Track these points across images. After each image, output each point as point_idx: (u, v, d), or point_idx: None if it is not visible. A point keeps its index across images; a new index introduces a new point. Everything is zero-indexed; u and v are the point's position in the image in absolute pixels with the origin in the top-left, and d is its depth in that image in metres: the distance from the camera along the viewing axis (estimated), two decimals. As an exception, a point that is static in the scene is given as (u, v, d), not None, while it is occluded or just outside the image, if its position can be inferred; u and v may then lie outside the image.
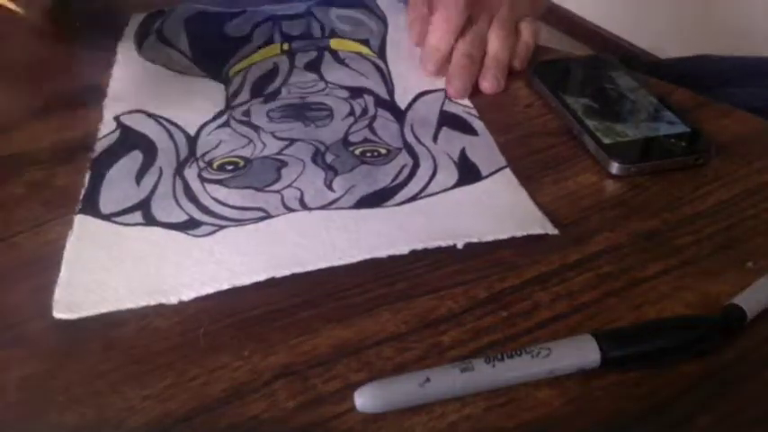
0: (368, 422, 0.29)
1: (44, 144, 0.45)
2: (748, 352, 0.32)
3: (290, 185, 0.41)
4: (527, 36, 0.54)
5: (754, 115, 0.48)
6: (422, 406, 0.29)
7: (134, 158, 0.43)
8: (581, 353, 0.30)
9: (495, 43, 0.52)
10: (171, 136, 0.45)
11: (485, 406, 0.29)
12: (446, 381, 0.29)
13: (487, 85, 0.51)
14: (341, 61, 0.54)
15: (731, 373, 0.31)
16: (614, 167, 0.42)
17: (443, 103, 0.49)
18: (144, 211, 0.39)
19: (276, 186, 0.41)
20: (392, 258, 0.36)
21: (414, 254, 0.36)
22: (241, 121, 0.47)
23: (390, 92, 0.50)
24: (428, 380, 0.29)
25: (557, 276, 0.35)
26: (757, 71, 0.66)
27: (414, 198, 0.40)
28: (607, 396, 0.30)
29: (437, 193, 0.41)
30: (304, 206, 0.39)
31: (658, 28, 1.89)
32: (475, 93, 0.51)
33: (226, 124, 0.47)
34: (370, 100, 0.49)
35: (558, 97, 0.48)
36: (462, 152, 0.44)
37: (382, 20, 0.60)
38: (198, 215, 0.39)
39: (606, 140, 0.44)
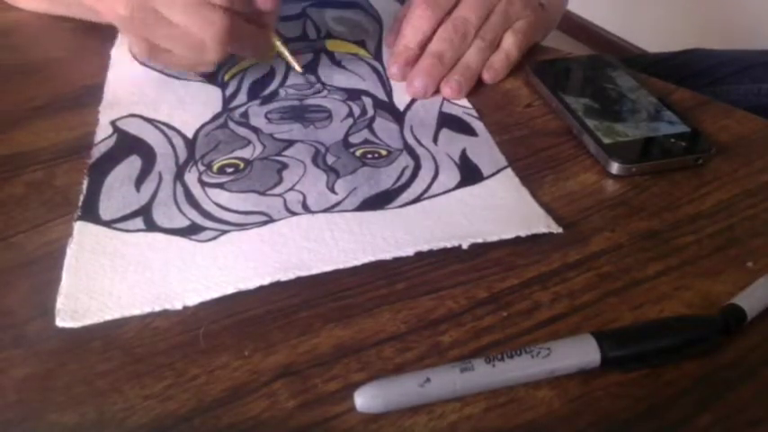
0: (368, 422, 0.29)
1: (44, 144, 0.45)
2: (748, 352, 0.32)
3: (292, 189, 0.41)
4: (509, 46, 0.52)
5: (754, 115, 0.48)
6: (422, 406, 0.29)
7: (132, 164, 0.43)
8: (581, 353, 0.30)
9: (469, 51, 0.51)
10: (169, 140, 0.45)
11: (485, 406, 0.29)
12: (446, 381, 0.29)
13: (447, 89, 0.49)
14: (337, 63, 0.54)
15: (731, 373, 0.31)
16: (614, 167, 0.42)
17: (442, 105, 0.49)
18: (145, 217, 0.39)
19: (278, 190, 0.41)
20: (392, 259, 0.36)
21: (414, 254, 0.36)
22: (239, 123, 0.47)
23: (388, 93, 0.50)
24: (428, 380, 0.29)
25: (557, 276, 0.35)
26: (748, 64, 0.66)
27: (417, 200, 0.40)
28: (607, 396, 0.30)
29: (440, 194, 0.41)
30: (307, 209, 0.39)
31: (658, 28, 1.89)
32: (474, 93, 0.51)
33: (224, 126, 0.47)
34: (368, 102, 0.49)
35: (558, 97, 0.48)
36: (463, 153, 0.44)
37: (377, 20, 0.60)
38: (200, 220, 0.39)
39: (606, 140, 0.44)
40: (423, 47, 0.51)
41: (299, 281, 0.35)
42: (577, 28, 2.04)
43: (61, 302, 0.34)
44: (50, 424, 0.29)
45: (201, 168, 0.43)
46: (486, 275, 0.35)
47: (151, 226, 0.38)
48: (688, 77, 0.50)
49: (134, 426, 0.29)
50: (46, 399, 0.30)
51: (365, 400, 0.29)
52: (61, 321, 0.33)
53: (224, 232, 0.38)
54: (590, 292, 0.35)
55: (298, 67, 0.51)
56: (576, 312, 0.34)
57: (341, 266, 0.35)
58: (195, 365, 0.31)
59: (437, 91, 0.50)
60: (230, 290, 0.34)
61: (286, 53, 0.50)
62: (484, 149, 0.44)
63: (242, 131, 0.46)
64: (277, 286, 0.35)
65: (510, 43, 0.52)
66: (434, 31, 0.50)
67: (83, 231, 0.38)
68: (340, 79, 0.52)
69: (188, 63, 0.47)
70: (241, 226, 0.38)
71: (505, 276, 0.35)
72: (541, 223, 0.38)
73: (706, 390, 0.30)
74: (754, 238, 0.38)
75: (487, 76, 0.52)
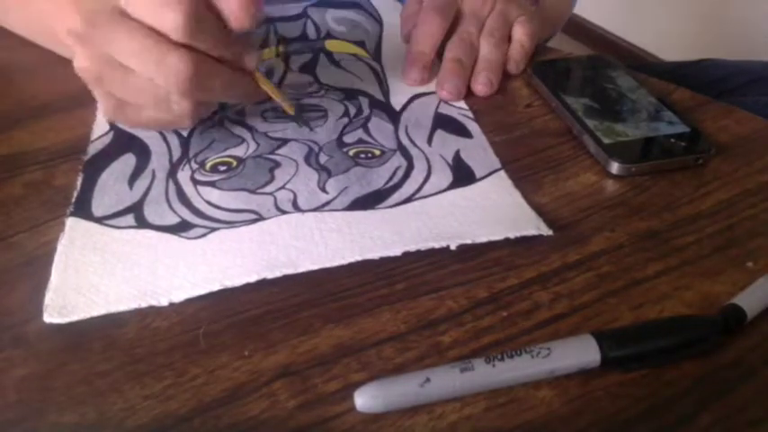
0: (368, 422, 0.29)
1: (43, 144, 0.45)
2: (748, 352, 0.32)
3: (282, 187, 0.41)
4: (521, 36, 0.53)
5: (753, 115, 0.48)
6: (422, 406, 0.29)
7: (127, 161, 0.43)
8: (581, 353, 0.30)
9: (485, 48, 0.52)
10: (164, 138, 0.45)
11: (485, 406, 0.29)
12: (446, 381, 0.29)
13: (480, 87, 0.50)
14: (336, 63, 0.54)
15: (731, 373, 0.31)
16: (614, 167, 0.42)
17: (438, 106, 0.49)
18: (136, 214, 0.39)
19: (269, 188, 0.41)
20: (392, 259, 0.36)
21: (414, 254, 0.36)
22: (235, 121, 0.47)
23: (385, 93, 0.50)
24: (428, 380, 0.29)
25: (557, 276, 0.35)
26: (759, 77, 0.66)
27: (408, 200, 0.40)
28: (607, 396, 0.30)
29: (431, 195, 0.41)
30: (297, 208, 0.39)
31: (659, 28, 1.89)
32: (474, 93, 0.51)
33: (219, 124, 0.47)
34: (364, 101, 0.49)
35: (558, 97, 0.48)
36: (457, 154, 0.44)
37: (378, 21, 0.60)
38: (190, 218, 0.39)
39: (606, 140, 0.44)
40: (435, 51, 0.52)
41: (299, 281, 0.35)
42: (577, 28, 2.04)
43: (49, 298, 0.34)
44: (50, 424, 0.29)
45: (194, 166, 0.43)
46: (486, 275, 0.35)
47: (142, 223, 0.38)
48: (694, 88, 0.51)
49: (134, 426, 0.29)
50: (46, 399, 0.30)
51: (365, 400, 0.29)
52: (48, 317, 0.33)
53: (213, 230, 0.38)
54: (590, 292, 0.35)
55: (290, 110, 0.46)
56: (576, 312, 0.34)
57: (327, 265, 0.35)
58: (195, 365, 0.31)
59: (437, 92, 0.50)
60: (216, 287, 0.34)
61: (277, 95, 0.45)
62: (478, 151, 0.44)
63: (237, 130, 0.46)
64: (277, 286, 0.35)
65: (520, 34, 0.53)
66: (444, 36, 0.52)
67: (74, 227, 0.38)
68: (337, 79, 0.52)
69: (159, 120, 0.41)
70: (230, 224, 0.38)
71: (505, 276, 0.35)
72: (531, 225, 0.38)
73: (706, 390, 0.30)
74: (754, 238, 0.38)
75: (512, 67, 0.53)
